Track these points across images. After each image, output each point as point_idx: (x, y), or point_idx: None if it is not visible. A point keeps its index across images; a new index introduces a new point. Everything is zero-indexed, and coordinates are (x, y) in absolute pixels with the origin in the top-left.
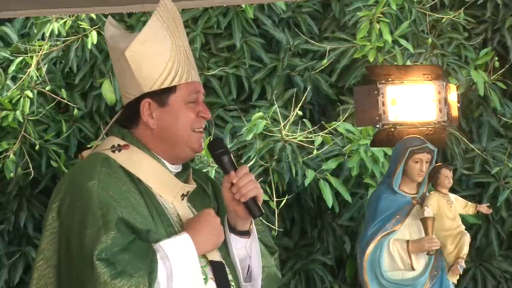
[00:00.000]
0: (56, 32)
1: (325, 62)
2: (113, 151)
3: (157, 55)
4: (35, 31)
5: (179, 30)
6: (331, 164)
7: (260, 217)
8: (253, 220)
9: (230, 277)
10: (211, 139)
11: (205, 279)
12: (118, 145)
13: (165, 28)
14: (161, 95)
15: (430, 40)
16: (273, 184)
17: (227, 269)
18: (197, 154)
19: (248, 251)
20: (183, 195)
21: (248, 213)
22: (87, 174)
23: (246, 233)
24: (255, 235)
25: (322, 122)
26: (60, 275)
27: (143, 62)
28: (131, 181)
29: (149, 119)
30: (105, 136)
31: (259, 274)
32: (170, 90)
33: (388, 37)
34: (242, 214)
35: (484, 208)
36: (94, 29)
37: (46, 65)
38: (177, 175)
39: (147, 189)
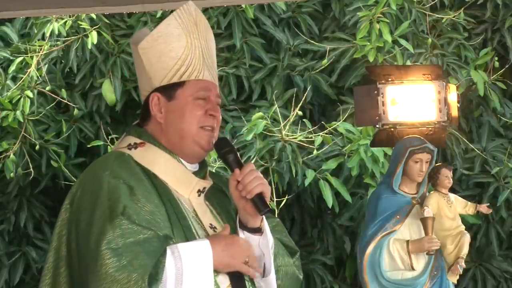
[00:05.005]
0: (56, 32)
1: (325, 62)
2: (129, 149)
3: (168, 51)
4: (35, 31)
5: (200, 32)
6: (331, 164)
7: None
8: (264, 218)
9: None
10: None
11: None
12: (135, 143)
13: (182, 28)
14: (170, 90)
15: (430, 40)
16: (273, 184)
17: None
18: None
19: (262, 249)
20: (199, 191)
21: (255, 210)
22: (101, 167)
23: (258, 231)
24: (267, 232)
25: (322, 122)
26: (71, 266)
27: (154, 57)
28: (146, 176)
29: (157, 113)
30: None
31: (272, 271)
32: (179, 84)
33: (388, 37)
34: (250, 211)
35: (484, 208)
36: (94, 29)
37: (46, 65)
38: (194, 173)
39: (163, 185)
